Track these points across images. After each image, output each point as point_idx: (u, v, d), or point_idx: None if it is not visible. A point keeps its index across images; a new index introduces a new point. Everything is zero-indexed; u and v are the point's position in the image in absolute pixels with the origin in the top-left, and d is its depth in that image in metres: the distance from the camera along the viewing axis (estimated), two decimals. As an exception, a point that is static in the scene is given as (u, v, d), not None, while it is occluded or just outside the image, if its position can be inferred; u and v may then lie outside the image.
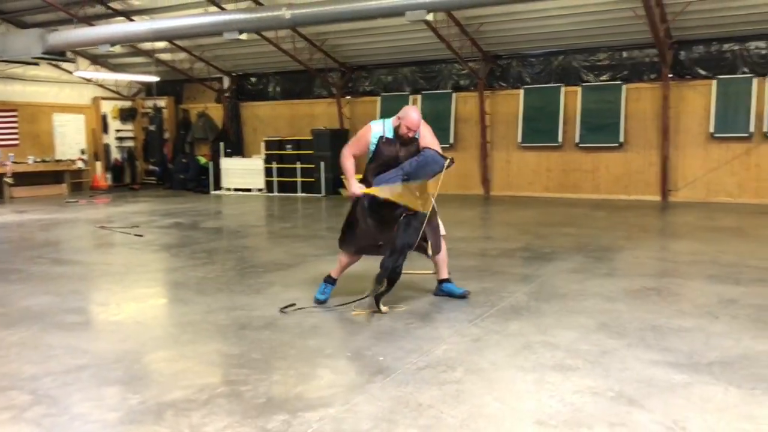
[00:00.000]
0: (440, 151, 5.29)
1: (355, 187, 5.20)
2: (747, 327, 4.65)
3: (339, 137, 15.05)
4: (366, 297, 5.24)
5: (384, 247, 5.21)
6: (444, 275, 5.65)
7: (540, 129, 13.70)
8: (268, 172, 15.65)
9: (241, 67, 17.00)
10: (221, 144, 16.48)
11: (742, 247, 7.72)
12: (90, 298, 6.14)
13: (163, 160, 18.09)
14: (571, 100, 13.42)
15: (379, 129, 5.28)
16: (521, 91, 13.85)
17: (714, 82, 12.20)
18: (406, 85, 15.16)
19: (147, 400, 3.56)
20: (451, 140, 14.49)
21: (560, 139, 13.51)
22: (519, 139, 13.91)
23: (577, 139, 13.36)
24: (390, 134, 5.24)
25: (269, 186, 15.69)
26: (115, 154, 18.26)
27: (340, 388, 3.70)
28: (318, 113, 16.17)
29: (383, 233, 5.21)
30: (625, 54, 13.05)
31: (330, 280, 5.57)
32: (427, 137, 5.32)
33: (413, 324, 4.88)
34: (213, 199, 15.22)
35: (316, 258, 7.55)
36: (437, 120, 14.56)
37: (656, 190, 12.81)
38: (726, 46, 12.19)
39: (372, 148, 5.26)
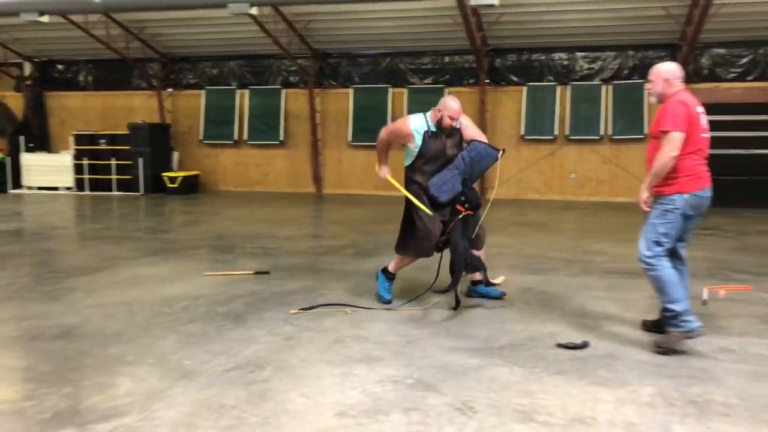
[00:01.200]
0: (487, 141, 5.22)
1: (382, 171, 5.41)
2: (537, 312, 5.10)
3: (159, 132, 14.36)
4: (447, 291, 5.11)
5: (439, 243, 5.11)
6: (479, 276, 5.43)
7: (369, 128, 13.94)
8: (79, 168, 14.47)
9: (46, 53, 15.47)
10: (21, 137, 14.91)
11: (543, 240, 8.46)
12: None
13: (-54, 154, 15.93)
14: (398, 100, 13.88)
15: (420, 124, 5.13)
16: (351, 90, 14.08)
17: (524, 89, 13.27)
18: (233, 79, 14.75)
19: None
20: (282, 137, 14.37)
21: (388, 138, 13.91)
22: (350, 137, 14.13)
23: (404, 139, 13.84)
24: (433, 128, 5.12)
25: (80, 184, 14.52)
26: None
27: (139, 395, 3.53)
28: (136, 106, 15.21)
29: (439, 230, 5.10)
30: (447, 59, 13.76)
31: (390, 276, 5.39)
32: (470, 129, 5.26)
33: (226, 326, 4.76)
34: (11, 198, 13.72)
35: (128, 261, 7.11)
36: (266, 116, 14.41)
37: (476, 186, 13.62)
38: (534, 56, 13.32)
39: (418, 143, 5.10)
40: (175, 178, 13.92)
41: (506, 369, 3.87)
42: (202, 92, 14.79)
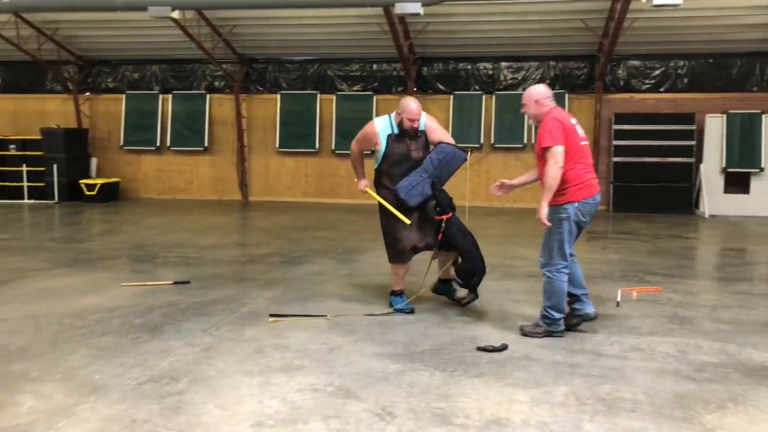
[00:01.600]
0: (453, 143, 5.20)
1: (361, 184, 5.47)
2: (459, 316, 5.15)
3: (76, 137, 13.76)
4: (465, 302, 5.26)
5: (430, 240, 5.14)
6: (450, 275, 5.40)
7: (297, 134, 13.91)
8: (-15, 176, 13.73)
9: (-49, 53, 14.60)
10: None
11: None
12: None
13: None
14: (327, 107, 13.83)
15: (384, 126, 5.11)
16: (278, 96, 13.93)
17: (451, 97, 13.48)
18: (155, 83, 14.35)
19: None
20: (206, 143, 14.05)
21: (317, 145, 13.85)
22: (277, 143, 13.97)
23: (333, 146, 13.81)
24: (396, 131, 5.09)
25: (-14, 192, 13.76)
26: None
27: (43, 413, 3.35)
28: (51, 110, 14.56)
29: (426, 229, 5.15)
30: (375, 66, 13.82)
31: (397, 293, 5.29)
32: (438, 131, 5.21)
33: (141, 338, 4.57)
34: None
35: (38, 272, 6.74)
36: (190, 122, 14.06)
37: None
38: (461, 65, 13.56)
39: (383, 147, 5.07)
40: (94, 185, 13.35)
41: (427, 373, 3.89)
42: (123, 96, 14.28)
